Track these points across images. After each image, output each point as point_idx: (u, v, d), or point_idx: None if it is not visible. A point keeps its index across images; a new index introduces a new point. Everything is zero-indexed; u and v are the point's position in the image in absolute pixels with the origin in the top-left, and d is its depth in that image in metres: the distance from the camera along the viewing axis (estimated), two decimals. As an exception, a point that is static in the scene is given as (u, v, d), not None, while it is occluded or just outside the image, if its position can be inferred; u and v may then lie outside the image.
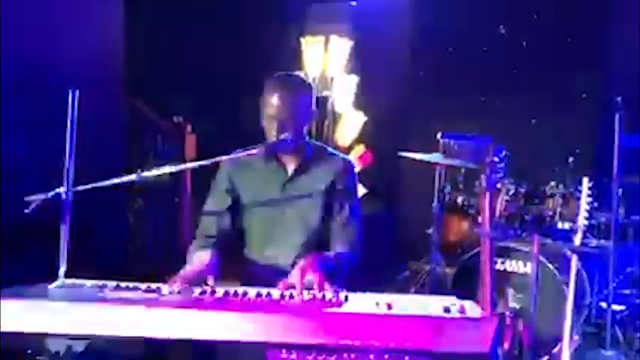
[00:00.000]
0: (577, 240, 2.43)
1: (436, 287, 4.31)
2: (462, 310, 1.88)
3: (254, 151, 2.48)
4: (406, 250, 5.46)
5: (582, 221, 2.41)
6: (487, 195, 2.49)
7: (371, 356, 1.78)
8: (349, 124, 4.83)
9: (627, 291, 4.05)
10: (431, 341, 1.78)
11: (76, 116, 2.13)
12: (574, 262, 2.51)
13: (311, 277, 2.14)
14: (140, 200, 4.78)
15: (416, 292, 4.55)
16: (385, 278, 4.94)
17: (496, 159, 2.36)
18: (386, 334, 1.78)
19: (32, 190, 2.14)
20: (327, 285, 2.12)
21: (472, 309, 1.92)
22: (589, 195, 2.45)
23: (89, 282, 2.08)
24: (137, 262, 4.32)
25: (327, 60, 4.73)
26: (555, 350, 3.52)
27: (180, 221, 4.79)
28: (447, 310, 1.88)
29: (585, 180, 2.46)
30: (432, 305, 1.94)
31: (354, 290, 2.14)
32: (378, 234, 4.89)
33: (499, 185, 2.57)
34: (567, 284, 3.51)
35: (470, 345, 1.78)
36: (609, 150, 3.49)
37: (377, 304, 1.93)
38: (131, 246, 4.53)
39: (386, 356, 1.78)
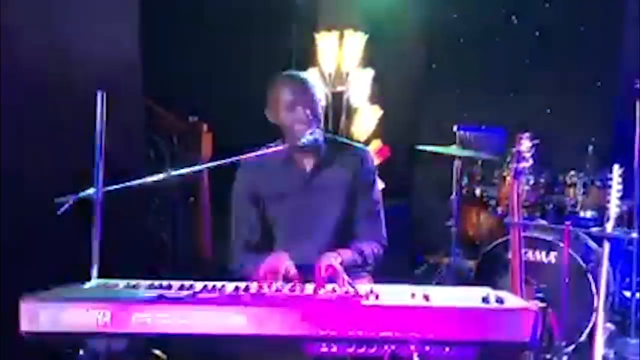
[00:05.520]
0: (609, 227, 2.42)
1: (456, 280, 4.30)
2: (500, 300, 1.88)
3: (276, 149, 2.47)
4: (424, 244, 5.45)
5: (614, 208, 2.40)
6: (515, 184, 2.49)
7: (412, 347, 1.77)
8: (365, 119, 4.79)
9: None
10: (472, 331, 1.78)
11: (104, 117, 2.12)
12: (606, 249, 2.50)
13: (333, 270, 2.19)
14: (157, 200, 4.78)
15: (436, 285, 4.54)
16: (403, 272, 4.92)
17: (524, 147, 2.36)
18: (426, 325, 1.78)
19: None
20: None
21: (510, 299, 1.92)
22: (619, 183, 2.44)
23: (121, 282, 2.08)
24: (153, 260, 4.32)
25: (341, 55, 4.69)
26: (582, 339, 3.50)
27: (197, 220, 4.79)
28: (485, 300, 1.87)
29: (616, 167, 2.45)
30: (468, 296, 1.94)
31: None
32: (395, 228, 4.86)
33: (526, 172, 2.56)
34: (592, 273, 3.51)
35: (511, 334, 1.78)
36: (628, 137, 3.47)
37: (413, 295, 1.92)
38: (150, 245, 4.53)
39: (427, 347, 1.78)
